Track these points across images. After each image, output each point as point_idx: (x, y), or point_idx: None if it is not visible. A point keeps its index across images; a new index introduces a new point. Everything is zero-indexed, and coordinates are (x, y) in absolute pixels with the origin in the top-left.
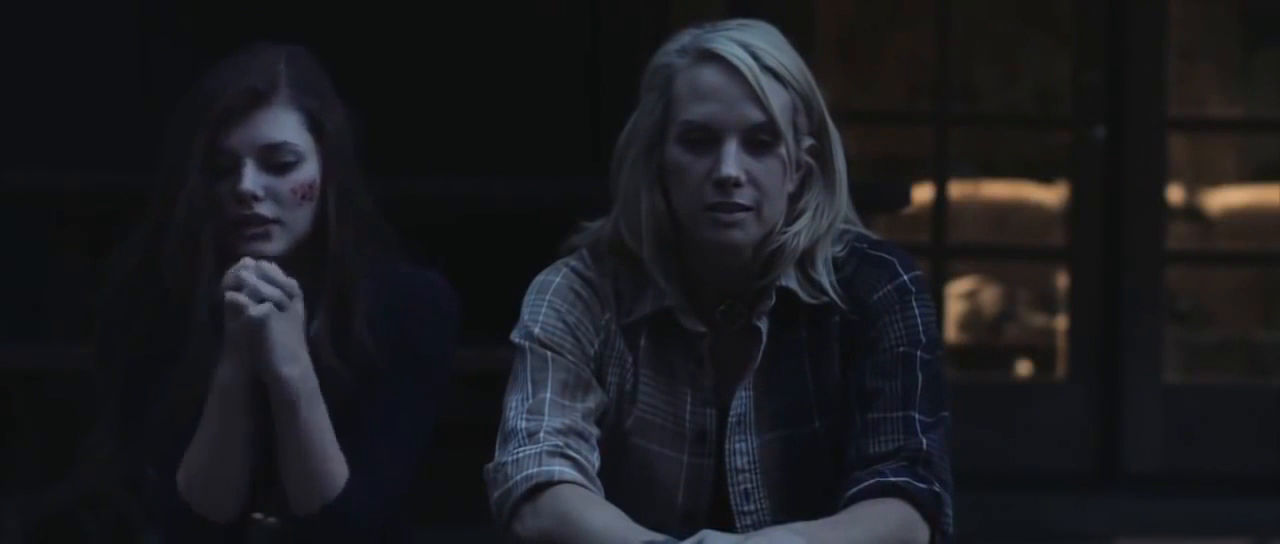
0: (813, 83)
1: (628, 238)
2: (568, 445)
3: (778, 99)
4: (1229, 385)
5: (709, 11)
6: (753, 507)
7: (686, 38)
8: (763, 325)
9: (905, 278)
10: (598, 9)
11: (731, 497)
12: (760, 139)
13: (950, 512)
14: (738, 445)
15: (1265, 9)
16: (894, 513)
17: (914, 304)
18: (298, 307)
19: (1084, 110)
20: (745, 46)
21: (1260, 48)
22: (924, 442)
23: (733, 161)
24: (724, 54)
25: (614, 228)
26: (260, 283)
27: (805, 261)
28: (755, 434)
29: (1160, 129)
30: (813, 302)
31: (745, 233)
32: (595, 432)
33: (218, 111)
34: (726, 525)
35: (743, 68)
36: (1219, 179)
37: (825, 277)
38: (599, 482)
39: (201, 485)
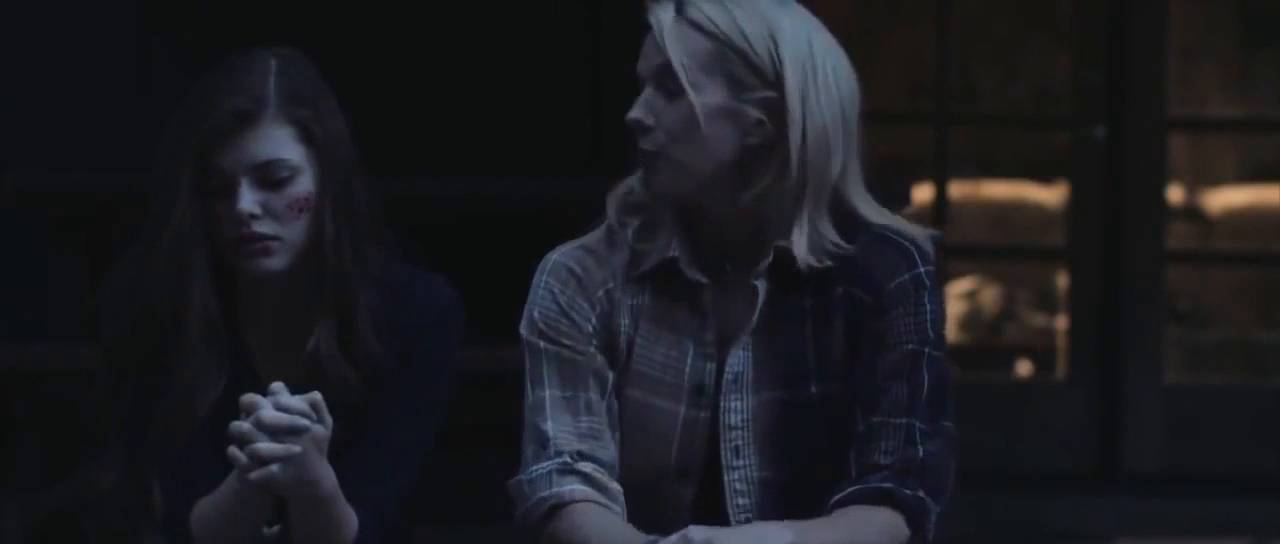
0: (773, 40)
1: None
2: (579, 455)
3: (690, 45)
4: (1229, 385)
5: None
6: (742, 463)
7: None
8: (760, 285)
9: (922, 271)
10: (598, 9)
11: (722, 451)
12: (666, 84)
13: (933, 518)
14: (733, 403)
15: (1265, 9)
16: (881, 518)
17: (927, 300)
18: (317, 429)
19: (1084, 110)
20: (678, 3)
21: (1260, 48)
22: (921, 451)
23: (639, 104)
24: (650, 10)
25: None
26: (265, 447)
27: (810, 221)
28: (752, 393)
29: (1160, 129)
30: (816, 265)
31: (668, 181)
32: (603, 417)
33: (206, 135)
34: (718, 480)
35: (653, 18)
36: (1219, 179)
37: (826, 239)
38: (614, 484)
39: (215, 537)
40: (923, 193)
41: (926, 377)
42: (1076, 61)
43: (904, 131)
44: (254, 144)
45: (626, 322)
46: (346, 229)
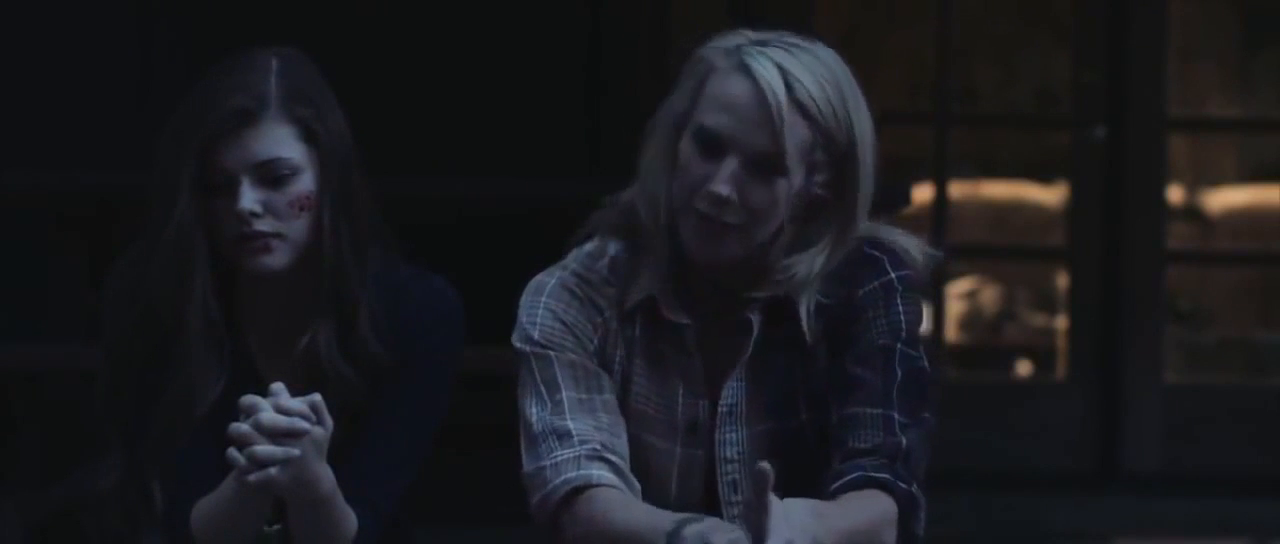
0: (849, 115)
1: (643, 210)
2: (602, 446)
3: (796, 134)
4: (1229, 385)
5: (709, 13)
6: (740, 498)
7: (738, 39)
8: (754, 319)
9: (893, 276)
10: (597, 9)
11: (720, 487)
12: (768, 164)
13: (923, 515)
14: (728, 436)
15: (1265, 9)
16: (878, 503)
17: (898, 301)
18: (316, 431)
19: (1084, 110)
20: (783, 71)
21: (1260, 48)
22: (903, 440)
23: (727, 181)
24: (756, 74)
25: (630, 202)
26: (263, 450)
27: (823, 270)
28: (745, 426)
29: (1160, 129)
30: (806, 305)
31: (728, 250)
32: (619, 419)
33: (207, 134)
34: (715, 516)
35: (768, 94)
36: (1219, 179)
37: (819, 290)
38: (634, 477)
39: (215, 537)
40: (923, 193)
41: (900, 371)
42: (1076, 61)
43: (904, 131)
44: (255, 142)
45: (622, 353)
46: (346, 227)
